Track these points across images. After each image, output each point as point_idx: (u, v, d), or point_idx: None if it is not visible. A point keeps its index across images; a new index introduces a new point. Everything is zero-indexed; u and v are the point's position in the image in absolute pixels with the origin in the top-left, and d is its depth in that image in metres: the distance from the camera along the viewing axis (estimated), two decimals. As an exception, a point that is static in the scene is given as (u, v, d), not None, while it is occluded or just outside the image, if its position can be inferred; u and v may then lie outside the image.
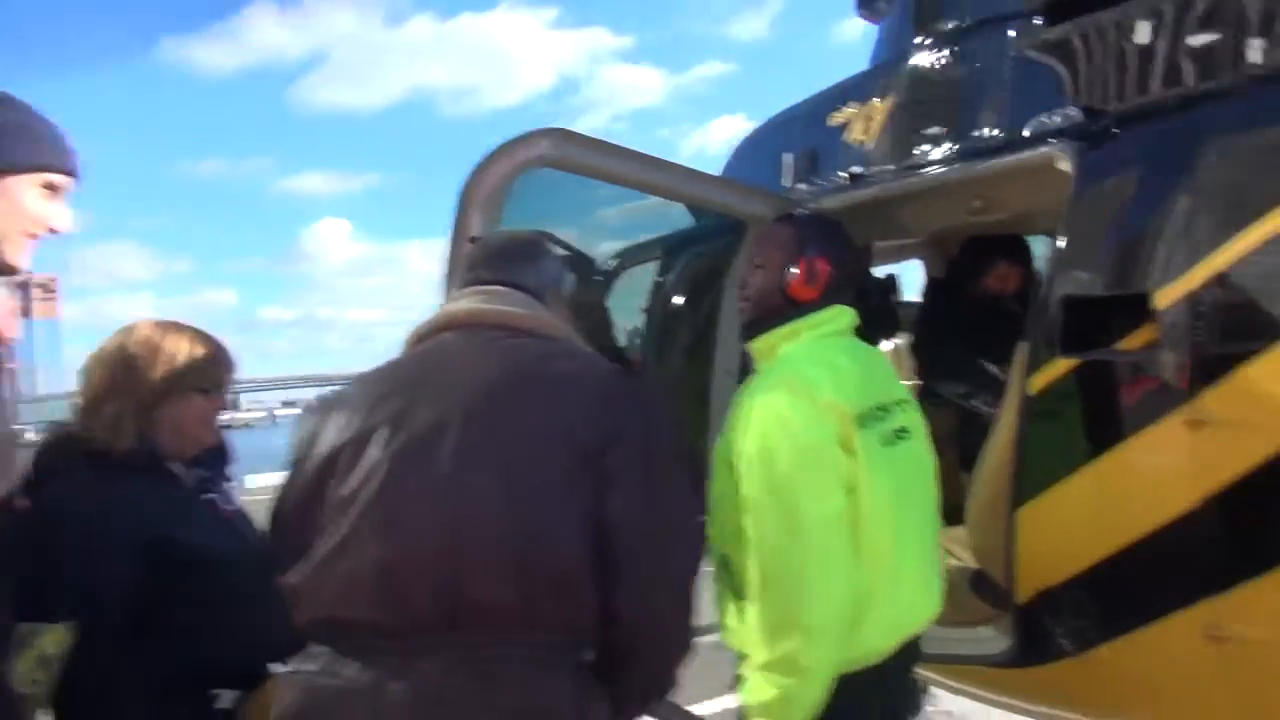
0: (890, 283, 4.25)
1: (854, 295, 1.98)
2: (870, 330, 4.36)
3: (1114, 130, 2.36)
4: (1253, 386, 1.95)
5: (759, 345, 1.92)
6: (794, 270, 1.87)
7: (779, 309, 1.90)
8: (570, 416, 1.38)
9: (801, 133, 3.87)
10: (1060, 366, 2.26)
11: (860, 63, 3.71)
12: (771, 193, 3.28)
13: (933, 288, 4.21)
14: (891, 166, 3.25)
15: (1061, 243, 2.36)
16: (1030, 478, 2.31)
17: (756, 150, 4.24)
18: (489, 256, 1.64)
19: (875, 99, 3.42)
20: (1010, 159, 2.68)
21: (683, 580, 1.44)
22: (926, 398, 4.02)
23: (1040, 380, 2.30)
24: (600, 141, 2.66)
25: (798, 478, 1.62)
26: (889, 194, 3.20)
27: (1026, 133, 2.69)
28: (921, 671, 2.19)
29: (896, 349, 4.48)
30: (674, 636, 1.43)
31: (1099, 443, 2.19)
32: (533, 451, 1.37)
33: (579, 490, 1.35)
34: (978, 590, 2.71)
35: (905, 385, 2.04)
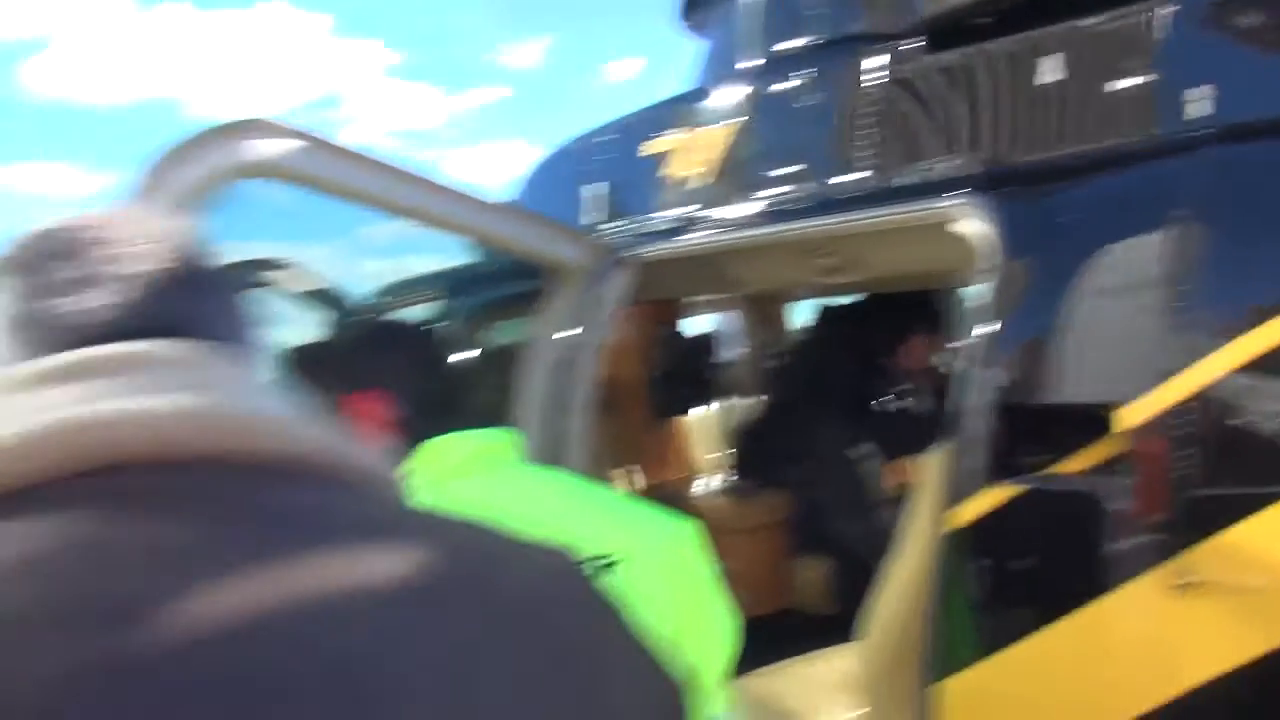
0: (707, 343, 3.66)
1: None
2: (687, 398, 3.80)
3: (1043, 185, 1.83)
4: (1259, 545, 1.44)
5: None
6: None
7: None
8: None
9: (608, 162, 3.18)
10: (992, 497, 1.68)
11: (629, 103, 3.09)
12: (587, 236, 2.54)
13: (817, 351, 3.57)
14: (728, 212, 2.63)
15: (983, 328, 1.78)
16: (954, 643, 1.71)
17: (552, 179, 3.51)
18: (129, 265, 0.60)
19: (704, 127, 2.80)
20: (892, 213, 2.12)
21: None
22: (758, 475, 3.45)
23: (965, 514, 1.70)
24: (341, 147, 1.80)
25: None
26: (728, 246, 2.57)
27: (906, 180, 2.15)
28: None
29: (711, 415, 3.89)
30: None
31: (1049, 604, 1.62)
32: None
33: None
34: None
35: None
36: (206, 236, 0.67)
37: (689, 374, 3.52)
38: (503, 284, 2.84)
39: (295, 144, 1.67)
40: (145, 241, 0.61)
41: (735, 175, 2.64)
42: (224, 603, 0.45)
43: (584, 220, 3.17)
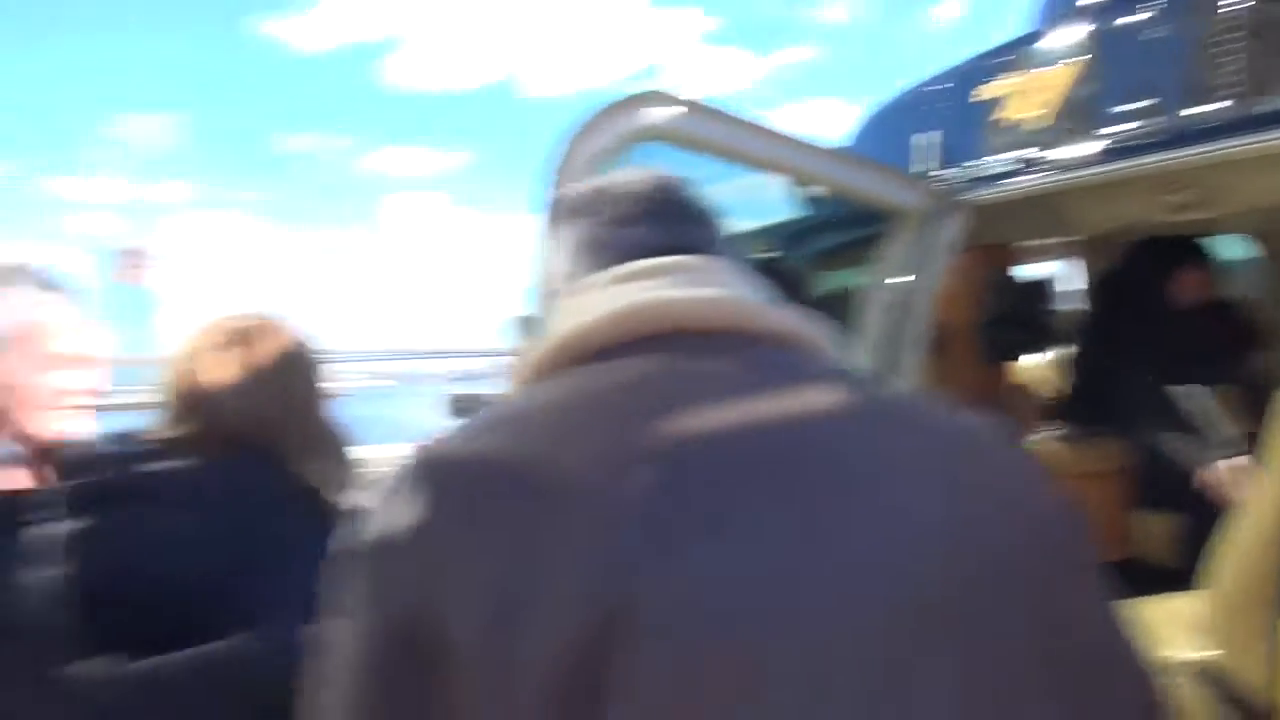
0: (1041, 288, 3.63)
1: None
2: (1019, 343, 3.79)
3: None
4: None
5: None
6: None
7: None
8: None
9: (938, 111, 3.26)
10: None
11: (946, 53, 3.14)
12: (924, 181, 2.68)
13: (1106, 296, 3.55)
14: (1068, 152, 2.62)
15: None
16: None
17: (881, 131, 3.64)
18: (655, 206, 0.91)
19: (1042, 68, 2.80)
20: (1258, 140, 2.05)
21: None
22: (1087, 423, 3.40)
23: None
24: (718, 110, 2.09)
25: None
26: (1067, 186, 2.57)
27: (1275, 106, 2.06)
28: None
29: (1044, 361, 3.86)
30: None
31: None
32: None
33: None
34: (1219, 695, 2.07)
35: None
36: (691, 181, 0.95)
37: (1021, 319, 3.52)
38: (838, 233, 3.05)
39: (683, 111, 1.99)
40: (656, 188, 0.91)
41: (1076, 113, 2.62)
42: (745, 410, 0.71)
43: (915, 169, 3.28)
